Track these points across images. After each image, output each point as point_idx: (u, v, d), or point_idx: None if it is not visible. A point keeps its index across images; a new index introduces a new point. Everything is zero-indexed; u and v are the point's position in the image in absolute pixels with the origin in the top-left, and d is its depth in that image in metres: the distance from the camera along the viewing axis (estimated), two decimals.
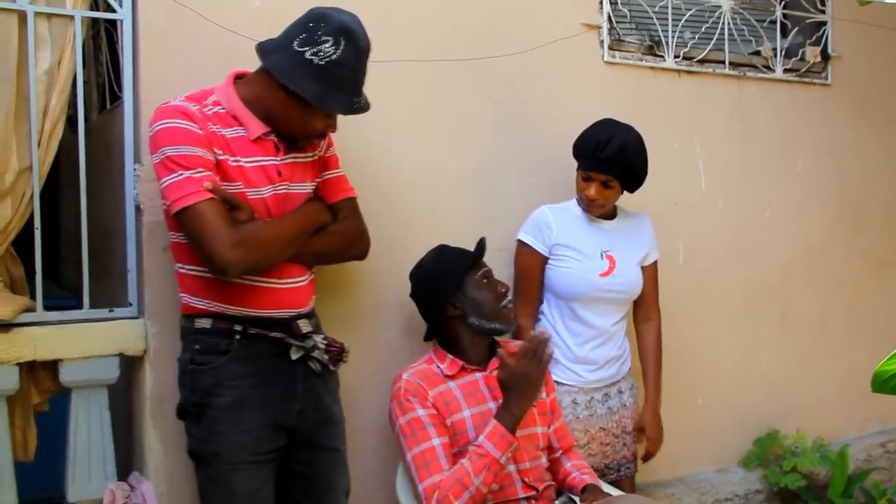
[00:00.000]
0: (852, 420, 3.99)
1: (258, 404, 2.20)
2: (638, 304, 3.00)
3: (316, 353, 2.27)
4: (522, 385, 2.31)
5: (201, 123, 2.10)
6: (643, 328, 3.02)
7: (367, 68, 2.17)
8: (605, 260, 2.83)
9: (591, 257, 2.81)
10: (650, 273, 2.98)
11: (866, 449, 3.97)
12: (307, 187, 2.32)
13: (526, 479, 2.43)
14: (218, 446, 2.17)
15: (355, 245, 2.43)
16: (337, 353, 2.32)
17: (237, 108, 2.17)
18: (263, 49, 2.14)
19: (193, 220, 2.03)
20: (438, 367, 2.50)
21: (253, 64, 2.39)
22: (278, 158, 2.21)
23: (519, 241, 2.87)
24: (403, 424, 2.38)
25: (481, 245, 2.58)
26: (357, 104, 2.15)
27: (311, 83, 2.06)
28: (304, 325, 2.27)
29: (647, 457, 2.99)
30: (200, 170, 2.05)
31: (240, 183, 2.14)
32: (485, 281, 2.54)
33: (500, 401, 2.36)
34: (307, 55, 2.06)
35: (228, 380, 2.18)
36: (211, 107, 2.16)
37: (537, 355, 2.31)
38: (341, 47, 2.06)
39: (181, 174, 2.04)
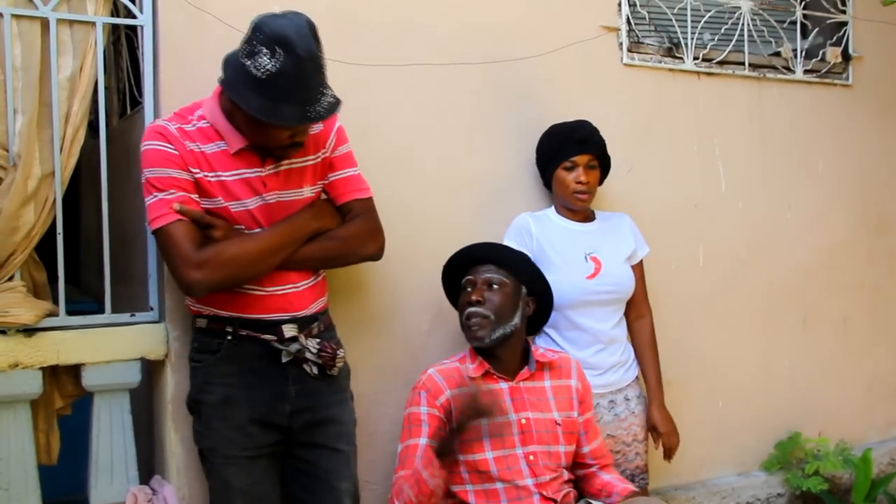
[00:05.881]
0: (875, 423, 3.95)
1: (245, 402, 2.25)
2: (628, 303, 2.95)
3: (309, 356, 2.28)
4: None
5: (177, 143, 2.13)
6: (635, 326, 2.97)
7: (318, 73, 2.06)
8: (590, 262, 2.80)
9: (573, 261, 2.79)
10: (638, 271, 2.95)
11: (889, 452, 3.92)
12: (304, 193, 2.29)
13: (544, 493, 2.41)
14: (212, 441, 2.26)
15: (364, 246, 2.39)
16: (329, 357, 2.31)
17: (219, 122, 2.17)
18: (224, 60, 2.10)
19: (163, 241, 2.12)
20: (466, 367, 2.48)
21: None
22: (264, 169, 2.20)
23: None
24: (406, 415, 2.44)
25: (461, 253, 2.56)
26: (311, 112, 2.05)
27: (254, 97, 2.00)
28: (289, 330, 2.27)
29: (669, 453, 2.96)
30: (172, 191, 2.11)
31: (220, 198, 2.17)
32: (468, 290, 2.51)
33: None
34: (248, 68, 2.00)
35: (217, 377, 2.26)
36: (196, 121, 2.18)
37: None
38: (278, 57, 1.97)
39: (156, 196, 2.12)
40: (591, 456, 2.57)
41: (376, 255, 2.44)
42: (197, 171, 2.15)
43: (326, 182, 2.36)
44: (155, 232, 2.12)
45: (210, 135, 2.17)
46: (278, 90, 2.00)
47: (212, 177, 2.16)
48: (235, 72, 2.04)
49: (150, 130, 2.16)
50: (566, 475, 2.50)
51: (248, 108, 2.01)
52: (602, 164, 2.87)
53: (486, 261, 2.52)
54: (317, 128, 2.28)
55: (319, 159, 2.32)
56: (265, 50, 1.97)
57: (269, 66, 1.97)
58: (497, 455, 2.39)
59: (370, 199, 2.42)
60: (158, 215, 2.10)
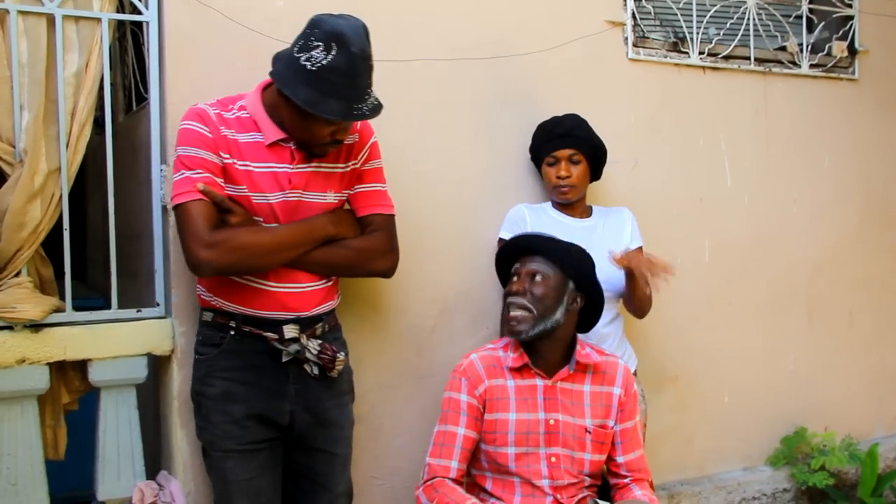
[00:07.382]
0: (882, 418, 3.95)
1: (244, 396, 2.27)
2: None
3: (310, 357, 2.29)
4: None
5: (212, 127, 2.18)
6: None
7: (368, 73, 2.11)
8: None
9: None
10: None
11: None
12: (327, 197, 2.31)
13: (559, 497, 2.37)
14: (212, 435, 2.29)
15: (376, 261, 2.39)
16: (329, 360, 2.32)
17: (258, 114, 2.22)
18: (274, 57, 2.17)
19: (181, 217, 2.15)
20: (508, 356, 2.42)
21: None
22: (292, 166, 2.23)
23: (500, 239, 2.82)
24: (445, 399, 2.42)
25: (511, 243, 2.51)
26: (357, 110, 2.11)
27: (303, 88, 2.05)
28: (290, 331, 2.27)
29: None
30: (200, 171, 2.15)
31: (244, 187, 2.20)
32: (513, 279, 2.43)
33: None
34: (301, 61, 2.06)
35: (217, 371, 2.28)
36: (236, 111, 2.22)
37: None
38: (332, 52, 2.03)
39: (183, 173, 2.15)
40: (625, 467, 2.47)
41: (387, 272, 2.45)
42: (227, 156, 2.19)
43: (352, 192, 2.39)
44: (175, 208, 2.16)
45: (248, 125, 2.22)
46: (328, 84, 2.04)
47: (240, 165, 2.19)
48: (287, 65, 2.09)
49: (190, 111, 2.21)
50: (588, 482, 2.44)
51: (296, 98, 2.05)
52: (590, 157, 2.82)
53: (534, 252, 2.43)
54: (352, 138, 2.32)
55: (349, 168, 2.35)
56: (321, 45, 2.03)
57: (322, 60, 2.03)
58: (519, 452, 2.37)
59: (391, 217, 2.43)
60: (181, 192, 2.14)
